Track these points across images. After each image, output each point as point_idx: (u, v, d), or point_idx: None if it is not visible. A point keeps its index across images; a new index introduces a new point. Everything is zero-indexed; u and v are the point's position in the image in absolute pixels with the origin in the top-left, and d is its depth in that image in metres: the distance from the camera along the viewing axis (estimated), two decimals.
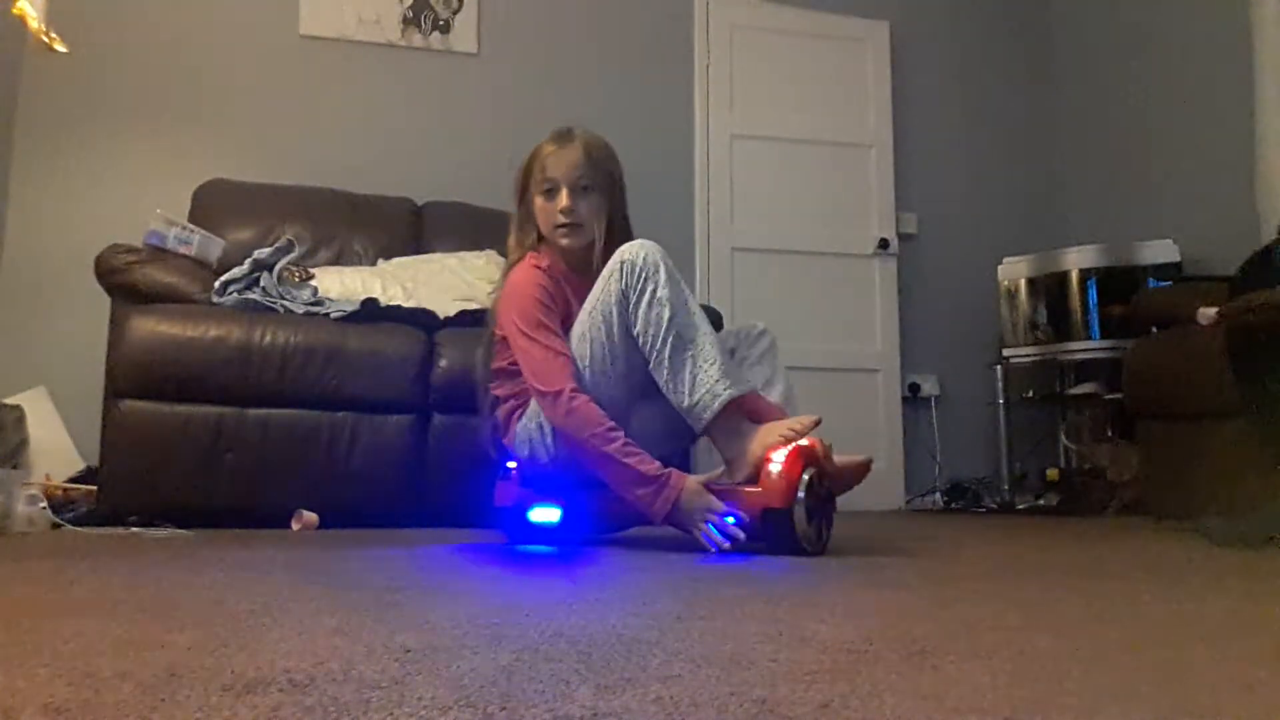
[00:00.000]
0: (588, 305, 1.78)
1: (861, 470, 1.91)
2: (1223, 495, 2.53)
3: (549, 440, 1.81)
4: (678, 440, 1.94)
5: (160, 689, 0.61)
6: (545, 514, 1.86)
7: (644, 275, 1.73)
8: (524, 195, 1.95)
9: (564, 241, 1.89)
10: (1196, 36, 3.84)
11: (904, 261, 4.21)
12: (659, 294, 1.72)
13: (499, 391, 1.93)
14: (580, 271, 1.90)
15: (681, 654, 0.74)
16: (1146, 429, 3.06)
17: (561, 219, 1.87)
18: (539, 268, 1.86)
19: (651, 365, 1.73)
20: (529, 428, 1.84)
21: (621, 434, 1.69)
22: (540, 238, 1.94)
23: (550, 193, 1.89)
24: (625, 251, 1.76)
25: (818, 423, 1.70)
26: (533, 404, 1.82)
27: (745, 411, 1.75)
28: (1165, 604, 1.11)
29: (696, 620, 0.92)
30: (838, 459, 1.81)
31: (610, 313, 1.75)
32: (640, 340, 1.73)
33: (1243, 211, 3.38)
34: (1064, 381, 3.98)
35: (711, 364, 1.70)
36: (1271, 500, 2.13)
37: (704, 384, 1.69)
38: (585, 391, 1.73)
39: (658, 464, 1.69)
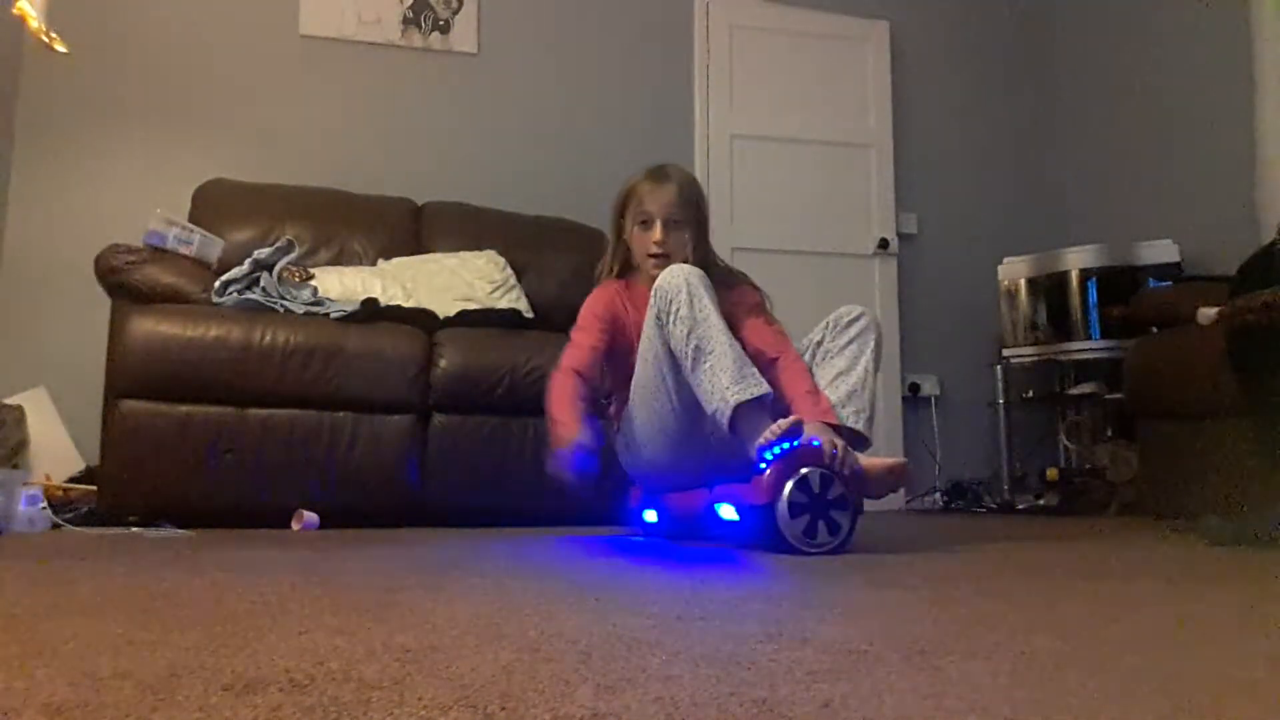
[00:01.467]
0: (642, 333, 1.97)
1: (896, 473, 1.89)
2: (1223, 495, 2.53)
3: (636, 450, 2.05)
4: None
5: (160, 689, 0.61)
6: (650, 515, 2.18)
7: (670, 298, 1.86)
8: (620, 225, 2.17)
9: (655, 270, 2.04)
10: (1196, 36, 3.84)
11: (904, 261, 4.21)
12: (680, 312, 1.84)
13: (616, 411, 2.19)
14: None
15: (681, 654, 0.74)
16: (1146, 429, 3.06)
17: (655, 249, 2.08)
18: (611, 290, 2.16)
19: (687, 379, 1.85)
20: (620, 442, 2.12)
21: (569, 406, 1.92)
22: (627, 266, 2.19)
23: (645, 224, 2.10)
24: (660, 278, 1.90)
25: (798, 423, 1.73)
26: (623, 426, 2.09)
27: (778, 415, 1.77)
28: (1165, 604, 1.11)
29: (696, 620, 0.92)
30: (867, 462, 1.82)
31: (653, 335, 1.90)
32: (676, 357, 1.86)
33: (1243, 211, 3.38)
34: (1064, 381, 3.98)
35: (724, 371, 1.77)
36: (1271, 500, 2.13)
37: (717, 391, 1.77)
38: (631, 409, 2.02)
39: (578, 430, 1.84)
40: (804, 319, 3.97)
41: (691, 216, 2.11)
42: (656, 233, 2.07)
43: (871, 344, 2.03)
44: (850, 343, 2.02)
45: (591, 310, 2.13)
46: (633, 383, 1.98)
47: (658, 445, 1.98)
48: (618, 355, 2.10)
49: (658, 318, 1.88)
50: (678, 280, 1.87)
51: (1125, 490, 3.43)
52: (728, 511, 1.82)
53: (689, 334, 1.82)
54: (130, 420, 2.33)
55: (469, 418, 2.56)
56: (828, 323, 2.07)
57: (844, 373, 1.98)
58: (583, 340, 2.06)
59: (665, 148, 3.96)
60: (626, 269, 2.19)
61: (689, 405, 1.88)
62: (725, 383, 1.76)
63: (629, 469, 2.13)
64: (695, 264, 2.01)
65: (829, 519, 1.70)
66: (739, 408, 1.74)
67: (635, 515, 2.23)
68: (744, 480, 1.77)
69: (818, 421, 1.82)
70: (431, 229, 3.37)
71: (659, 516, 2.13)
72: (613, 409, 2.19)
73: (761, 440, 1.71)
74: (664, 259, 2.05)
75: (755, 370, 1.81)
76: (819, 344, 2.05)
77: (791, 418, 1.74)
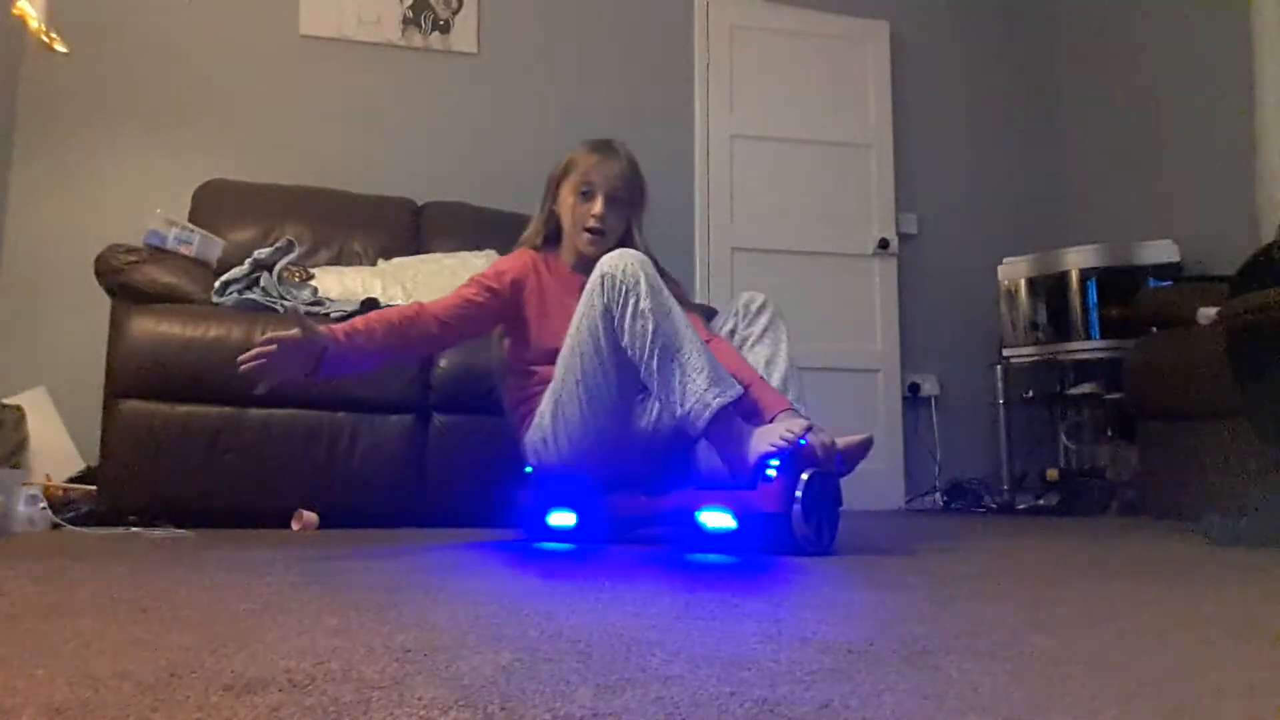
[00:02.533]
0: (574, 319, 1.81)
1: (866, 446, 1.88)
2: (1223, 495, 2.53)
3: (560, 447, 1.86)
4: (683, 438, 1.98)
5: (160, 689, 0.61)
6: (562, 518, 1.93)
7: (625, 288, 1.74)
8: (554, 195, 2.05)
9: (588, 247, 1.97)
10: (1196, 37, 3.84)
11: (904, 261, 4.21)
12: (641, 306, 1.73)
13: (512, 396, 2.03)
14: (586, 272, 1.94)
15: (681, 654, 0.74)
16: (1146, 429, 3.06)
17: (593, 222, 1.98)
18: (528, 257, 2.01)
19: (643, 375, 1.75)
20: (535, 437, 1.91)
21: (365, 320, 1.80)
22: (551, 240, 2.05)
23: (586, 195, 1.99)
24: (605, 264, 1.76)
25: (809, 428, 1.69)
26: (539, 409, 1.90)
27: (743, 411, 1.74)
28: (1165, 604, 1.11)
29: (696, 620, 0.92)
30: (843, 441, 1.82)
31: (596, 327, 1.77)
32: (629, 352, 1.75)
33: (1243, 211, 3.38)
34: (1064, 381, 3.98)
35: (699, 373, 1.69)
36: (1271, 500, 2.13)
37: (693, 394, 1.68)
38: (568, 406, 1.85)
39: (332, 330, 1.75)
40: (804, 319, 3.99)
41: (634, 199, 2.03)
42: (598, 205, 1.97)
43: (784, 328, 2.01)
44: (766, 330, 2.00)
45: (496, 269, 2.00)
46: (561, 373, 1.84)
47: (590, 442, 1.84)
48: (516, 328, 1.99)
49: (607, 307, 1.75)
50: (633, 269, 1.74)
51: (1125, 490, 3.44)
52: (717, 519, 1.71)
53: (654, 330, 1.70)
54: (130, 420, 2.33)
55: (469, 418, 2.56)
56: (736, 310, 2.05)
57: (771, 360, 1.96)
58: (461, 291, 1.94)
59: (665, 148, 3.96)
60: (549, 243, 2.08)
61: (628, 399, 1.82)
62: (702, 385, 1.67)
63: (540, 465, 1.94)
64: (639, 248, 1.93)
65: (830, 515, 1.71)
66: (719, 411, 1.67)
67: (532, 518, 1.98)
68: (700, 483, 1.80)
69: (786, 411, 1.79)
70: (431, 229, 3.37)
71: (579, 519, 1.91)
72: (512, 393, 2.03)
73: (770, 445, 1.65)
74: (600, 235, 1.97)
75: (727, 371, 1.74)
76: (732, 332, 2.02)
77: (782, 423, 1.70)
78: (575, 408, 1.81)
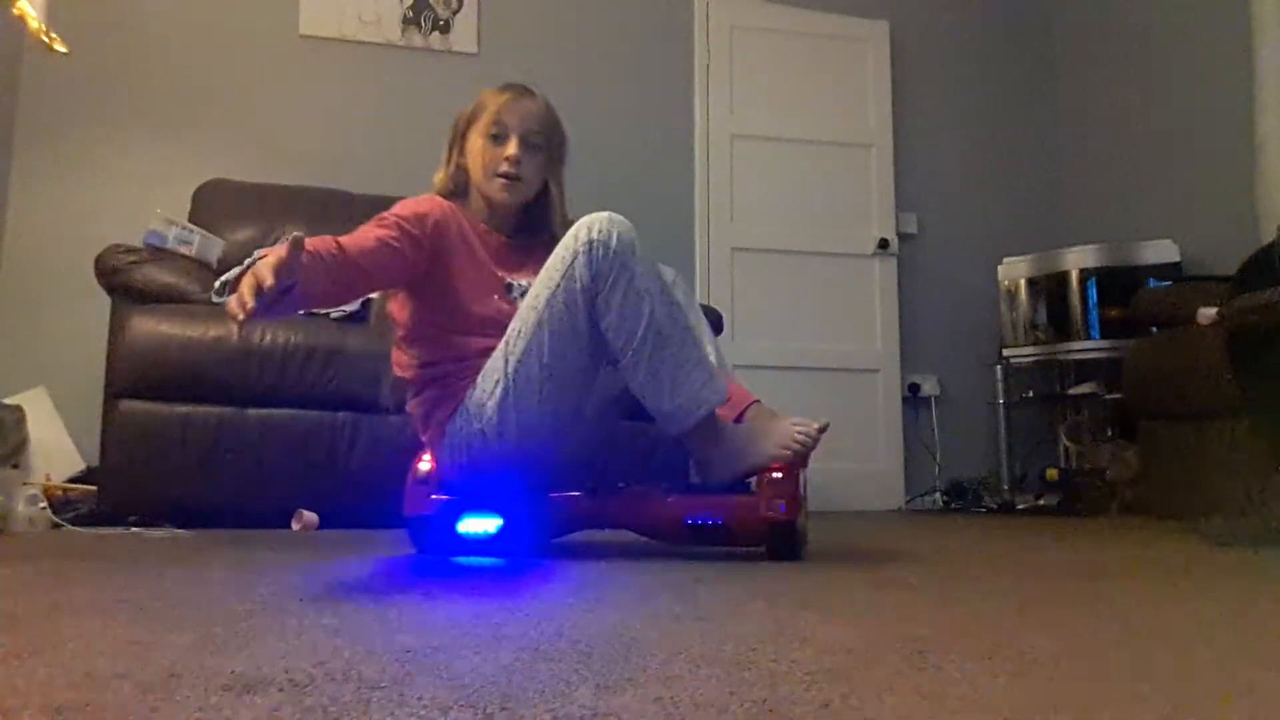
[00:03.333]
0: (540, 290, 1.53)
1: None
2: (1223, 495, 2.53)
3: (508, 440, 1.55)
4: (609, 421, 1.80)
5: (160, 689, 0.61)
6: (479, 524, 1.62)
7: (619, 261, 1.48)
8: (461, 143, 1.77)
9: (501, 194, 1.71)
10: (1196, 36, 3.84)
11: (904, 261, 4.21)
12: (636, 284, 1.49)
13: (405, 373, 1.70)
14: (500, 230, 1.76)
15: (681, 654, 0.74)
16: (1146, 429, 3.07)
17: (505, 168, 1.70)
18: (447, 205, 1.70)
19: (623, 363, 1.51)
20: (469, 429, 1.58)
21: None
22: (458, 192, 1.77)
23: (498, 138, 1.71)
24: (593, 229, 1.49)
25: (825, 429, 1.56)
26: (474, 397, 1.57)
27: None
28: (1165, 604, 1.11)
29: (696, 620, 0.92)
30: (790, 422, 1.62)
31: (575, 304, 1.50)
32: (611, 336, 1.50)
33: (1243, 211, 3.37)
34: (1064, 381, 3.98)
35: (695, 367, 1.51)
36: (1271, 500, 2.13)
37: (686, 391, 1.50)
38: (526, 393, 1.53)
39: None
40: (804, 319, 4.00)
41: (553, 150, 1.77)
42: (511, 147, 1.69)
43: (698, 304, 1.84)
44: (687, 306, 1.76)
45: (412, 210, 1.64)
46: (519, 351, 1.53)
47: (544, 433, 1.56)
48: (429, 286, 1.65)
49: (592, 281, 1.48)
50: (626, 237, 1.50)
51: (1125, 490, 3.43)
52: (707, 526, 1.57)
53: (649, 315, 1.47)
54: (130, 420, 2.33)
55: None
56: None
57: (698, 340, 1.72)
58: (375, 232, 1.57)
59: (665, 148, 3.97)
60: (455, 199, 1.77)
61: (590, 385, 1.59)
62: (698, 381, 1.49)
63: (468, 463, 1.60)
64: (542, 207, 1.75)
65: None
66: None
67: (437, 526, 1.64)
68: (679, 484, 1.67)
69: (755, 405, 1.67)
70: None
71: (504, 524, 1.63)
72: (412, 370, 1.69)
73: (783, 449, 1.52)
74: (515, 182, 1.70)
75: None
76: None
77: (795, 424, 1.55)
78: (534, 394, 1.52)
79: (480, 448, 1.57)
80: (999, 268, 3.98)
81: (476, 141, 1.73)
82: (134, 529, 2.14)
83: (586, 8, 4.04)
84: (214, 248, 2.77)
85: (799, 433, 1.53)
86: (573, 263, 1.50)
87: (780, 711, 0.57)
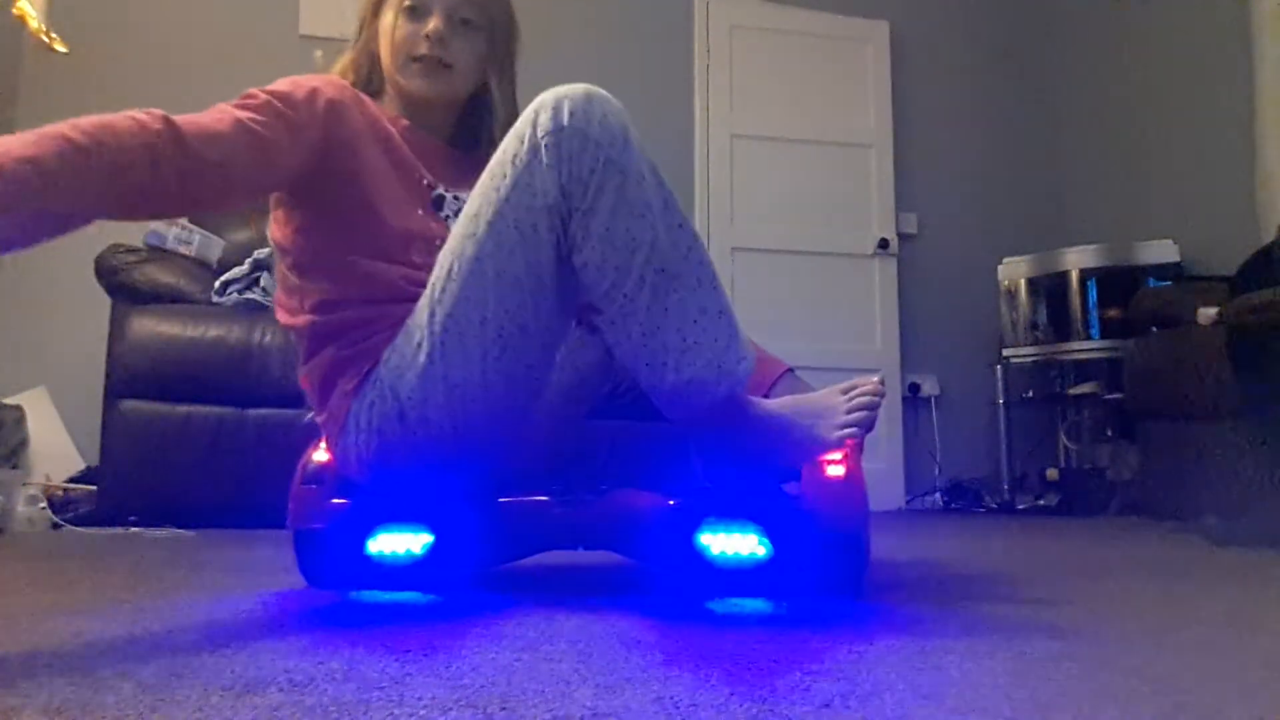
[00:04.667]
0: (476, 209, 1.04)
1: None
2: (1223, 495, 2.53)
3: (433, 423, 1.06)
4: (574, 406, 1.29)
5: (160, 689, 0.61)
6: (399, 542, 1.15)
7: (603, 158, 1.00)
8: (372, 20, 1.30)
9: (420, 83, 1.24)
10: (1196, 36, 3.84)
11: (904, 261, 4.21)
12: (629, 194, 1.00)
13: (294, 320, 1.18)
14: (432, 132, 1.28)
15: (681, 654, 0.74)
16: (1146, 429, 3.06)
17: (423, 49, 1.22)
18: (351, 91, 1.21)
19: (605, 317, 1.04)
20: (381, 409, 1.08)
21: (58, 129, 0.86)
22: (368, 88, 1.28)
23: (415, 12, 1.24)
24: (562, 109, 1.01)
25: (883, 387, 1.13)
26: (386, 360, 1.09)
27: None
28: (1165, 604, 1.11)
29: (696, 620, 0.92)
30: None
31: (534, 228, 1.01)
32: (589, 276, 1.02)
33: (1243, 211, 3.37)
34: (1064, 381, 3.98)
35: (715, 318, 1.03)
36: (1271, 500, 2.13)
37: (703, 354, 1.01)
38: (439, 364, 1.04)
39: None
40: (804, 319, 4.00)
41: (495, 32, 1.29)
42: (434, 22, 1.22)
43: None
44: None
45: (295, 84, 1.15)
46: (449, 300, 1.03)
47: (488, 416, 1.07)
48: (324, 195, 1.14)
49: (563, 189, 1.00)
50: (613, 120, 1.02)
51: (1125, 490, 3.43)
52: (734, 544, 1.09)
53: (649, 241, 1.00)
54: (130, 420, 2.33)
55: None
56: None
57: None
58: (232, 111, 1.12)
59: (665, 148, 3.96)
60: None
61: (554, 341, 1.10)
62: (720, 342, 1.02)
63: (376, 459, 1.11)
64: (502, 114, 1.27)
65: None
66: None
67: (337, 545, 1.16)
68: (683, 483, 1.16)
69: (789, 374, 1.30)
70: None
71: (437, 541, 1.15)
72: (303, 316, 1.16)
73: (842, 431, 1.06)
74: (438, 69, 1.23)
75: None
76: None
77: (848, 390, 1.11)
78: (471, 361, 1.03)
79: (397, 435, 1.07)
80: (999, 268, 3.98)
81: (387, 17, 1.26)
82: (134, 529, 2.14)
83: (586, 8, 4.04)
84: (214, 248, 2.78)
85: (860, 398, 1.09)
86: (529, 164, 1.01)
87: (780, 711, 0.57)
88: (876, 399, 1.10)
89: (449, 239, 1.07)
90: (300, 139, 1.11)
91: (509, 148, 1.04)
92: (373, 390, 1.10)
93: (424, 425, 1.07)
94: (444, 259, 1.06)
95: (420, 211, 1.20)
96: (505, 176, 1.03)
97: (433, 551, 1.16)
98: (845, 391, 1.12)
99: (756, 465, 1.10)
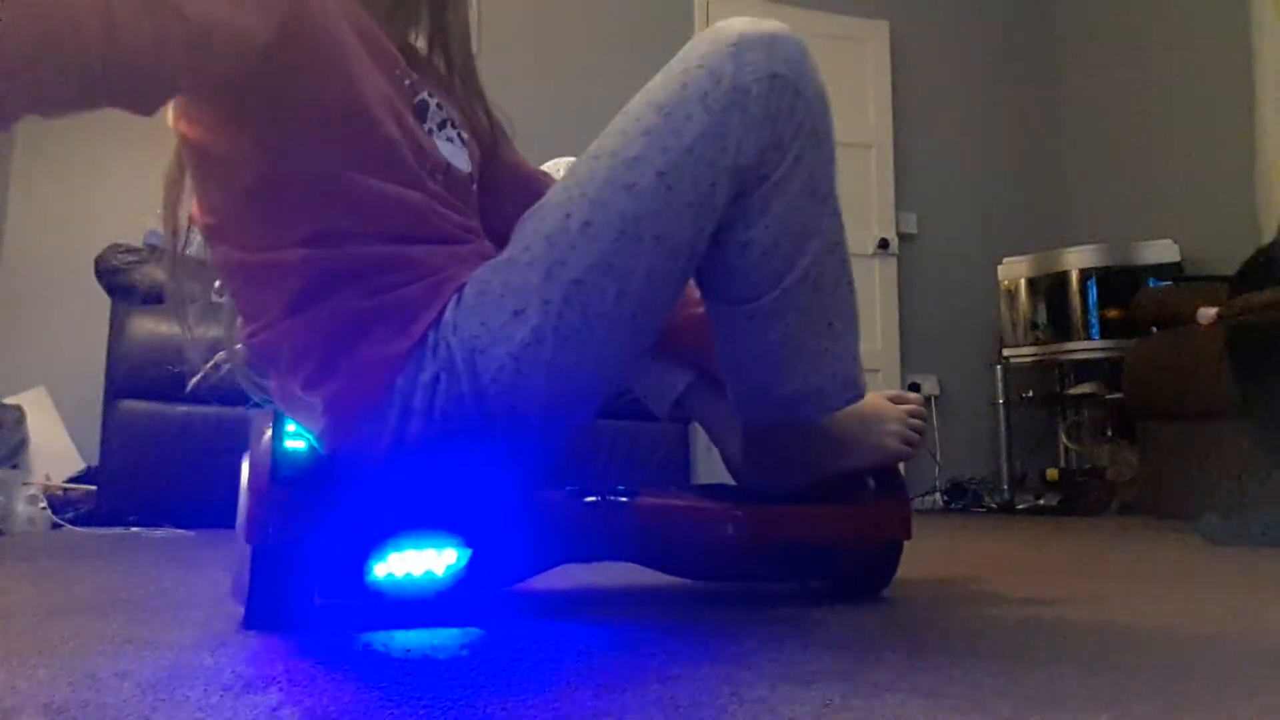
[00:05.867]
0: (633, 151, 0.83)
1: None
2: (1223, 495, 2.53)
3: (513, 416, 0.83)
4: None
5: (160, 689, 0.61)
6: (418, 562, 0.89)
7: (810, 125, 0.86)
8: None
9: None
10: (1196, 36, 3.84)
11: (904, 261, 4.21)
12: (821, 173, 0.88)
13: (262, 255, 0.87)
14: (390, 20, 0.95)
15: (681, 654, 0.74)
16: (1146, 429, 3.07)
17: None
18: None
19: (744, 307, 0.90)
20: (451, 394, 0.83)
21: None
22: None
23: None
24: (779, 48, 0.86)
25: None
26: (460, 334, 0.83)
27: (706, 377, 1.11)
28: (1165, 604, 1.11)
29: (697, 620, 0.92)
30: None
31: (713, 187, 0.83)
32: (751, 254, 0.87)
33: (1243, 211, 3.38)
34: (1064, 381, 3.98)
35: (851, 324, 0.96)
36: (1271, 500, 2.14)
37: (835, 361, 0.95)
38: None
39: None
40: None
41: None
42: None
43: None
44: None
45: None
46: (565, 254, 0.82)
47: (580, 399, 0.86)
48: (292, 100, 0.81)
49: (760, 154, 0.84)
50: (820, 80, 0.89)
51: (1125, 490, 3.44)
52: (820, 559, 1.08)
53: (824, 233, 0.89)
54: (130, 420, 2.33)
55: None
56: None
57: None
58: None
59: None
60: None
61: (668, 314, 0.90)
62: (853, 350, 0.97)
63: (437, 446, 0.84)
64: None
65: None
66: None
67: (327, 564, 0.87)
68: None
69: None
70: None
71: (473, 557, 0.90)
72: (293, 250, 0.84)
73: (899, 444, 1.05)
74: None
75: None
76: None
77: (895, 401, 1.12)
78: (597, 339, 0.83)
79: (470, 424, 0.83)
80: (999, 268, 3.98)
81: None
82: (134, 529, 2.14)
83: (586, 8, 4.04)
84: None
85: (909, 412, 1.09)
86: (727, 111, 0.82)
87: (780, 711, 0.57)
88: (923, 420, 1.11)
89: (573, 181, 0.85)
90: (285, 48, 0.78)
91: (694, 82, 0.83)
92: (433, 362, 0.83)
93: (509, 415, 0.83)
94: (571, 207, 0.83)
95: (411, 119, 0.88)
96: (690, 119, 0.82)
97: (463, 572, 0.90)
98: (894, 400, 1.11)
99: (806, 468, 1.04)
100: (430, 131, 0.91)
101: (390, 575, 0.88)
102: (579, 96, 3.92)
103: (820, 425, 1.01)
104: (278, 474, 0.85)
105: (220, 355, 0.99)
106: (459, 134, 0.94)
